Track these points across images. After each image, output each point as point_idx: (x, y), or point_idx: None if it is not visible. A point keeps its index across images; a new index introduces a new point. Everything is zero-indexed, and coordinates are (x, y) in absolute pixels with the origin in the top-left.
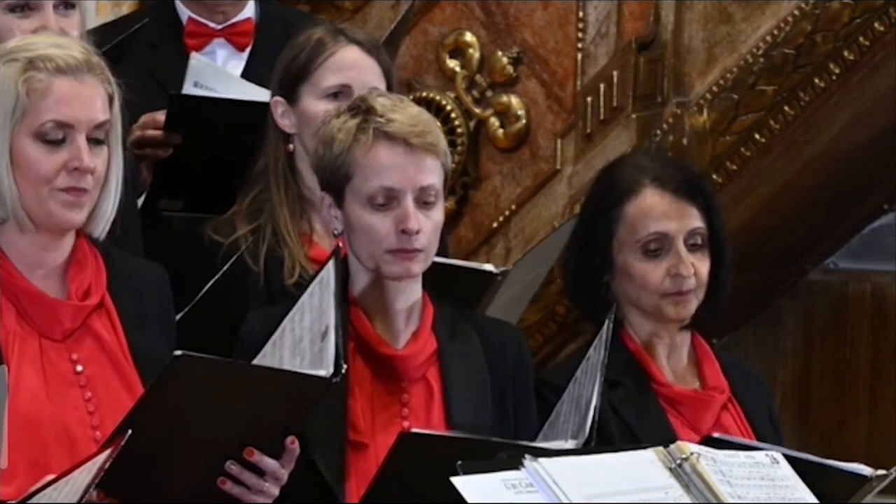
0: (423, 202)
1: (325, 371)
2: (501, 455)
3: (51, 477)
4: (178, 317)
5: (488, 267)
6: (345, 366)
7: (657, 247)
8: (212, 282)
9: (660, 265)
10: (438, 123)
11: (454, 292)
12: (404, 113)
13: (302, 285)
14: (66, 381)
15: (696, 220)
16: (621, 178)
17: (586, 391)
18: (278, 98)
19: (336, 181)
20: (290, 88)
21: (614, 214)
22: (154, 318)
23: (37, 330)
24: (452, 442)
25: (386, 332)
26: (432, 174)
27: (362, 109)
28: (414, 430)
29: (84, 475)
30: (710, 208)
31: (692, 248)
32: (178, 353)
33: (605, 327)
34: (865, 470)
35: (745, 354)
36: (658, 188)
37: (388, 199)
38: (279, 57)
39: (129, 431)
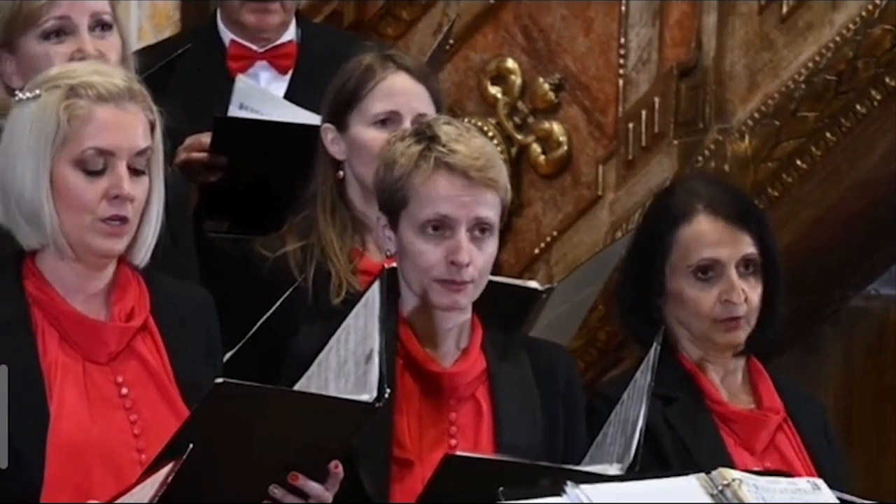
0: (476, 233)
1: (368, 395)
2: (543, 481)
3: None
4: (230, 354)
5: (533, 284)
6: (388, 390)
7: (709, 273)
8: (267, 314)
9: (711, 291)
10: None
11: (499, 310)
12: (468, 145)
13: (350, 302)
14: (111, 404)
15: (748, 247)
16: (675, 203)
17: (632, 414)
18: (328, 125)
19: (393, 204)
20: (339, 115)
21: (668, 239)
22: (198, 341)
23: (80, 353)
24: (497, 465)
25: (434, 350)
26: (489, 208)
27: (427, 136)
28: (459, 453)
29: (146, 490)
30: (764, 234)
31: (744, 274)
32: (219, 380)
33: (652, 351)
34: None
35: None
36: (711, 214)
37: (442, 228)
38: (330, 83)
39: (191, 446)
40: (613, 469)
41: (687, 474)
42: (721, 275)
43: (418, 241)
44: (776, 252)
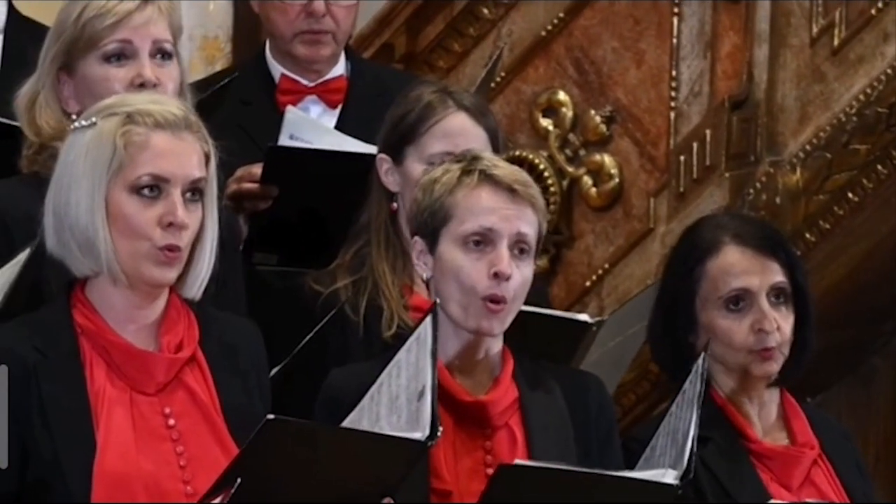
0: (516, 251)
1: (421, 433)
2: None
3: None
4: (274, 371)
5: (583, 317)
6: (441, 428)
7: (740, 303)
8: (310, 335)
9: (743, 321)
10: None
11: (548, 343)
12: (509, 166)
13: (401, 336)
14: (158, 435)
15: (777, 275)
16: (702, 237)
17: (683, 424)
18: (384, 155)
19: (433, 223)
20: (396, 148)
21: (696, 273)
22: (246, 374)
23: (128, 384)
24: (551, 474)
25: (466, 382)
26: (530, 225)
27: (468, 158)
28: (517, 461)
29: None
30: (792, 264)
31: (775, 304)
32: (271, 416)
33: (700, 360)
34: None
35: (837, 414)
36: (739, 245)
37: (484, 241)
38: (384, 115)
39: (238, 480)
40: (669, 475)
41: None
42: (752, 304)
43: (460, 256)
44: (805, 282)
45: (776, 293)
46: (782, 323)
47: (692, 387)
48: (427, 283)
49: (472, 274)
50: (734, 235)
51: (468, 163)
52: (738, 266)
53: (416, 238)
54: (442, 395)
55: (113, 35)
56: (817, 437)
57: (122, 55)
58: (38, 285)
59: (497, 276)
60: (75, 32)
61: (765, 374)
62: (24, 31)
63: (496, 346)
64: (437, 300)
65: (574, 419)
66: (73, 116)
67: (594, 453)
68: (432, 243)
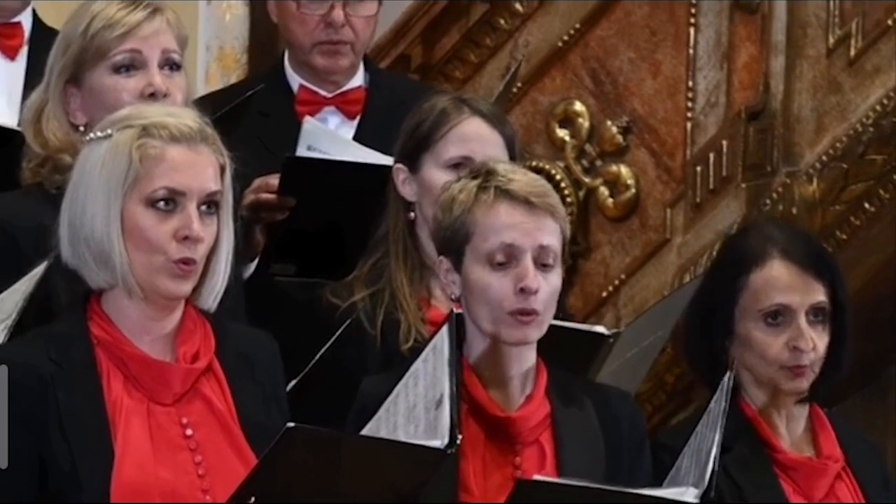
0: (541, 264)
1: (440, 441)
2: None
3: None
4: (291, 385)
5: (600, 328)
6: (459, 436)
7: (778, 318)
8: (325, 348)
9: (780, 337)
10: None
11: (565, 355)
12: (525, 176)
13: (417, 350)
14: (176, 445)
15: (819, 295)
16: (750, 247)
17: (706, 442)
18: (400, 165)
19: (456, 242)
20: (412, 157)
21: (740, 282)
22: (262, 385)
23: (145, 395)
24: (569, 490)
25: (499, 395)
26: (552, 235)
27: (483, 172)
28: (535, 476)
29: None
30: (836, 283)
31: (813, 322)
32: (291, 424)
33: (726, 378)
34: None
35: (853, 425)
36: (785, 260)
37: (508, 258)
38: (401, 126)
39: (252, 500)
40: (689, 494)
41: None
42: (791, 321)
43: (485, 274)
44: (847, 302)
45: (815, 312)
46: (818, 342)
47: (717, 405)
48: (457, 300)
49: (498, 290)
50: (782, 250)
51: (484, 178)
52: (782, 281)
53: (442, 258)
54: (474, 409)
55: (122, 45)
56: (843, 450)
57: (131, 66)
58: (47, 298)
59: (523, 291)
60: (83, 44)
61: (794, 391)
62: (50, 41)
63: (530, 359)
64: (454, 310)
65: (606, 436)
66: (81, 128)
67: (625, 469)
68: (457, 262)
